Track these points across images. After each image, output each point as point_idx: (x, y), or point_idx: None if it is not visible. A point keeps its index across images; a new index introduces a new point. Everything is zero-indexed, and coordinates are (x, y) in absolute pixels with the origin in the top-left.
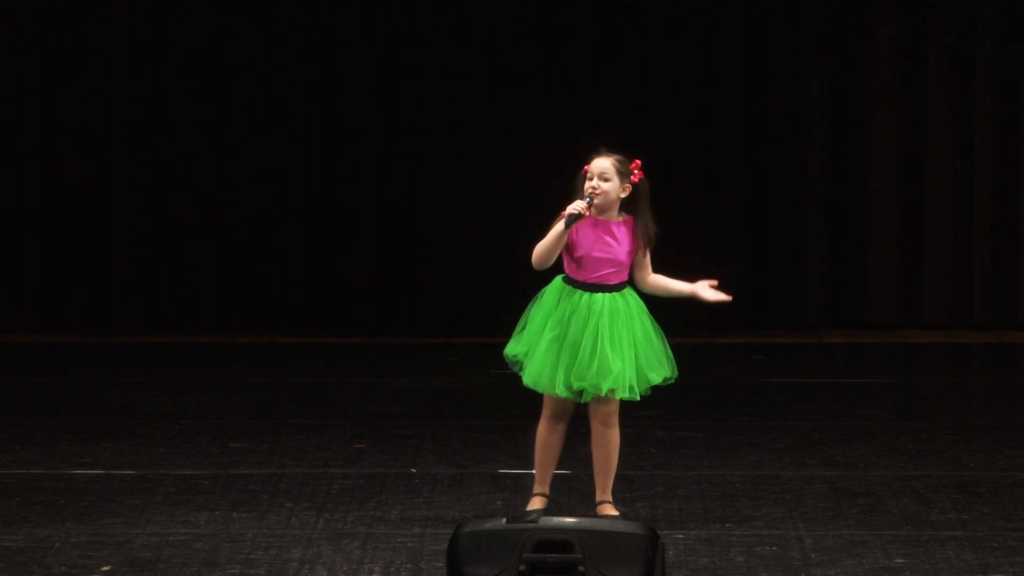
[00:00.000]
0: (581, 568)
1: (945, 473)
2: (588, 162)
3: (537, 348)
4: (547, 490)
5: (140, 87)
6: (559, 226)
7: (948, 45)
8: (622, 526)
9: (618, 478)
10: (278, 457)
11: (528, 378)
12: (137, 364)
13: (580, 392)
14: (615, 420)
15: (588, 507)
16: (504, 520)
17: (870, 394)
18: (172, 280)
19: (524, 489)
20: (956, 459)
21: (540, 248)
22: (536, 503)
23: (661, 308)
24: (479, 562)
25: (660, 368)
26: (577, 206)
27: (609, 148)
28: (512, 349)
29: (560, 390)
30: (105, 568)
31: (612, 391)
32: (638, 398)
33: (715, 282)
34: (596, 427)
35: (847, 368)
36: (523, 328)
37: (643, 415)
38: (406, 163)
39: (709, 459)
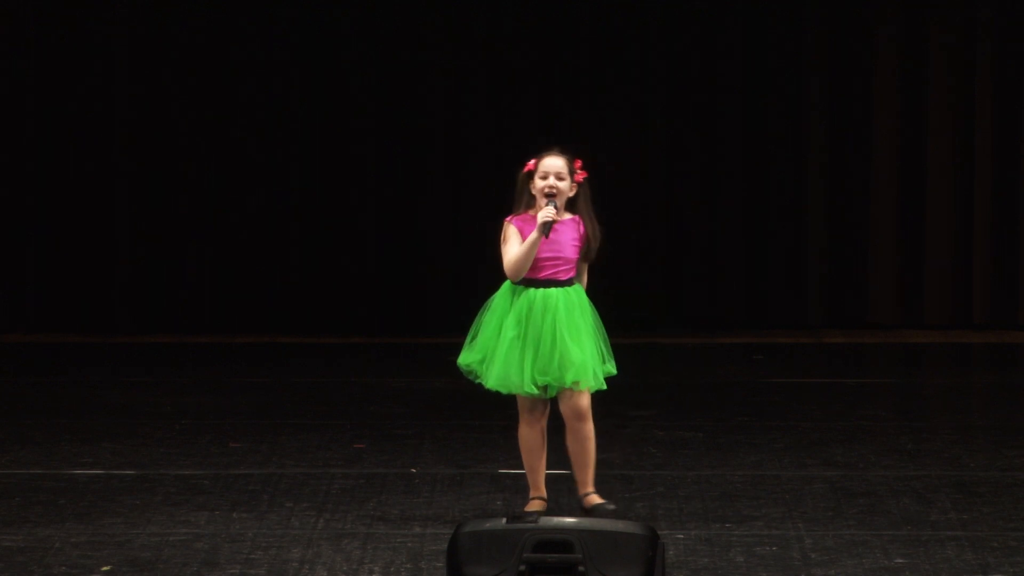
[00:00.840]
0: (581, 568)
1: (945, 473)
2: (537, 159)
3: (498, 350)
4: (542, 492)
5: (140, 87)
6: (534, 234)
7: (948, 45)
8: (622, 526)
9: (618, 478)
10: (278, 457)
11: (493, 380)
12: (137, 364)
13: (546, 387)
14: (588, 413)
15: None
16: (504, 520)
17: (870, 394)
18: (172, 280)
19: (524, 489)
20: (956, 459)
21: (517, 259)
22: (534, 506)
23: (663, 307)
24: (479, 562)
25: (611, 360)
26: (549, 213)
27: (561, 148)
28: (466, 359)
29: (528, 387)
30: (105, 568)
31: (576, 383)
32: (604, 387)
33: None
34: (570, 423)
35: (847, 368)
36: (474, 336)
37: (643, 415)
38: (406, 163)
39: (709, 459)
